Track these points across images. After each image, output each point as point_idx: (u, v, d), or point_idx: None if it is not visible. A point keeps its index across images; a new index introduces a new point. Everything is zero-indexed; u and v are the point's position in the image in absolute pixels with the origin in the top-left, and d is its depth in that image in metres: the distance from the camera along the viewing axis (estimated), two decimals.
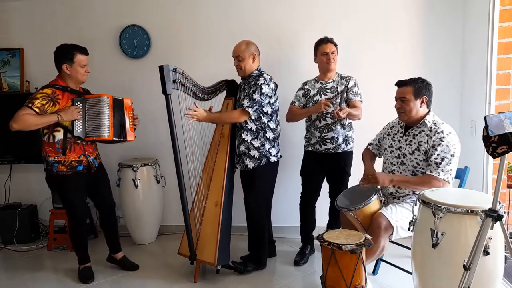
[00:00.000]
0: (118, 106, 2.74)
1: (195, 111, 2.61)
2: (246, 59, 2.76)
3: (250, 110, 2.68)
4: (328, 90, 2.93)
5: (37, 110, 2.50)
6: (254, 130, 2.78)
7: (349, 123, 2.97)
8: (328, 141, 2.91)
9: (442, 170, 2.26)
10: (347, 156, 2.99)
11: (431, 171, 2.29)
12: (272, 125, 2.82)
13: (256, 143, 2.78)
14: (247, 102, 2.69)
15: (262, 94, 2.70)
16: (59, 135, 2.64)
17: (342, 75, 2.98)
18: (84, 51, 2.70)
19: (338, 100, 2.84)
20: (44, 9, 3.70)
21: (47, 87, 2.60)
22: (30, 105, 2.50)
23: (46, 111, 2.54)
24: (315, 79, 3.04)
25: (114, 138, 2.68)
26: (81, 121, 2.63)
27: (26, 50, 3.77)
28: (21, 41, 3.76)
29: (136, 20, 3.60)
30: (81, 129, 2.63)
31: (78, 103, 2.65)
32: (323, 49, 2.90)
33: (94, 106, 2.65)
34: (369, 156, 2.72)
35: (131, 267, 2.98)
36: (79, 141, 2.67)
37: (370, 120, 3.06)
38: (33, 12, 3.71)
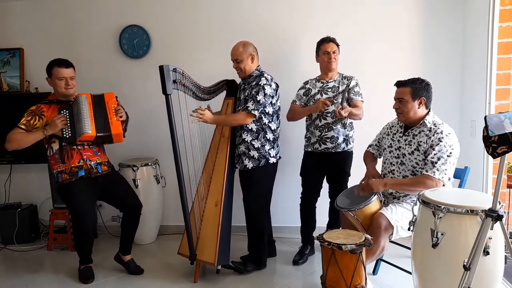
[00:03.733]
0: (98, 102, 2.74)
1: (202, 112, 2.61)
2: (244, 61, 2.76)
3: (256, 112, 2.69)
4: (329, 90, 2.93)
5: (23, 127, 2.62)
6: (255, 130, 2.77)
7: (350, 122, 2.97)
8: (328, 140, 2.91)
9: (437, 170, 2.26)
10: (347, 156, 2.99)
11: (426, 171, 2.29)
12: (273, 126, 2.82)
13: (256, 144, 2.78)
14: (252, 105, 2.68)
15: (265, 95, 2.70)
16: (56, 146, 2.71)
17: (344, 75, 2.98)
18: (62, 64, 2.72)
19: (340, 100, 2.85)
20: (44, 9, 3.69)
21: (35, 105, 2.71)
22: (18, 124, 2.62)
23: (34, 126, 2.64)
24: (316, 78, 3.04)
25: (98, 134, 2.66)
26: (69, 127, 2.64)
27: (26, 50, 3.77)
28: (21, 41, 3.75)
29: (136, 20, 3.60)
30: (70, 134, 2.64)
31: (64, 110, 2.67)
32: (324, 48, 2.91)
33: (76, 109, 2.68)
34: (370, 158, 2.73)
35: (136, 271, 2.94)
36: (74, 147, 2.70)
37: (370, 120, 3.06)
38: (33, 12, 3.71)
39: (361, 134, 3.08)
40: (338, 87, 2.93)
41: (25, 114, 2.66)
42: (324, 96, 2.92)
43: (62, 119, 2.62)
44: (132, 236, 3.00)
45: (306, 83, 3.06)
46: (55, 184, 2.79)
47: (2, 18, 3.74)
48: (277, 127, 2.86)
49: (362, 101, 2.93)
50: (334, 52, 2.90)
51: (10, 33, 3.75)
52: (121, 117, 2.77)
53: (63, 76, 2.71)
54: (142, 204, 2.97)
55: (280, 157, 2.93)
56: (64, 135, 2.64)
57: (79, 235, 2.83)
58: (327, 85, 2.96)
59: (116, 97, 2.84)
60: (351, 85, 2.91)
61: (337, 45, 2.94)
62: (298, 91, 3.06)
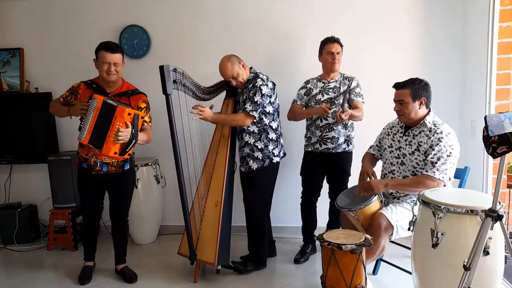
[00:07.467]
0: (106, 111, 2.48)
1: (201, 109, 2.60)
2: (240, 73, 2.75)
3: (254, 113, 2.69)
4: (331, 90, 2.94)
5: (61, 99, 2.70)
6: (257, 132, 2.78)
7: (351, 123, 2.97)
8: (329, 140, 2.91)
9: (437, 170, 2.26)
10: (347, 156, 2.99)
11: (426, 171, 2.29)
12: (274, 125, 2.82)
13: (260, 145, 2.78)
14: (250, 106, 2.68)
15: (262, 95, 2.70)
16: None
17: (345, 75, 2.98)
18: (109, 48, 2.58)
19: (341, 101, 2.85)
20: (44, 9, 3.69)
21: (80, 82, 2.73)
22: (62, 94, 2.72)
23: (71, 102, 2.68)
24: (317, 78, 3.04)
25: (89, 144, 2.53)
26: (84, 120, 2.55)
27: (26, 50, 3.77)
28: (21, 41, 3.76)
29: (136, 20, 3.60)
30: (82, 129, 2.56)
31: (94, 99, 2.53)
32: (329, 48, 2.90)
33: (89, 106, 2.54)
34: (368, 158, 2.72)
35: (130, 278, 2.85)
36: None
37: (370, 120, 3.05)
38: (33, 12, 3.71)
39: (361, 134, 3.08)
40: (339, 87, 2.93)
41: (70, 87, 2.71)
42: (325, 96, 2.92)
43: (82, 107, 2.54)
44: (122, 245, 2.92)
45: (307, 82, 3.06)
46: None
47: (2, 18, 3.74)
48: (278, 125, 2.87)
49: (363, 102, 2.93)
50: (338, 53, 2.90)
51: (10, 33, 3.75)
52: (119, 140, 2.46)
53: (107, 61, 2.57)
54: (128, 214, 2.90)
55: (285, 154, 2.93)
56: (81, 124, 2.57)
57: (82, 222, 2.92)
58: (328, 86, 2.95)
59: (136, 114, 2.50)
60: (352, 86, 2.90)
61: (341, 45, 2.94)
62: (299, 90, 3.06)
